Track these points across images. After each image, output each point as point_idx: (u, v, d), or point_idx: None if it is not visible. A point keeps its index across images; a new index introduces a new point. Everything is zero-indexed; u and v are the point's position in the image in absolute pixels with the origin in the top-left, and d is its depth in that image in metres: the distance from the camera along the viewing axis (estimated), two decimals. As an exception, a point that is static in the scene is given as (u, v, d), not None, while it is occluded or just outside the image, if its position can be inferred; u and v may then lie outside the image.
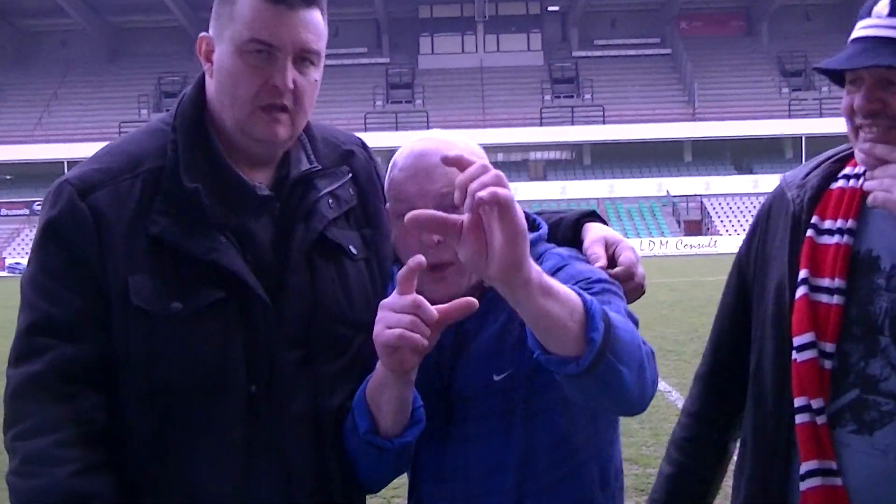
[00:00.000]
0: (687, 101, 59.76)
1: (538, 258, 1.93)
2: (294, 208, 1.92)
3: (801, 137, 53.27)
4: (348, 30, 60.04)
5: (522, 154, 57.75)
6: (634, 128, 57.05)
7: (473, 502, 1.91)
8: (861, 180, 1.89)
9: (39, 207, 2.01)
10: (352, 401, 1.91)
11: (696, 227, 55.24)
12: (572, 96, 61.57)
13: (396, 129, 52.58)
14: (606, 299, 1.78)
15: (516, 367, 1.87)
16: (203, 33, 1.92)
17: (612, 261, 1.96)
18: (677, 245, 50.35)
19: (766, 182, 50.18)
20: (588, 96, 60.85)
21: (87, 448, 1.75)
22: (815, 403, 1.85)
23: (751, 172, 56.96)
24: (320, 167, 1.97)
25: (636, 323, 1.79)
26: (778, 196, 2.03)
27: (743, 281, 2.07)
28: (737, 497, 2.04)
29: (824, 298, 1.86)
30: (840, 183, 1.93)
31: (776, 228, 1.99)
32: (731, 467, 2.16)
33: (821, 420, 1.85)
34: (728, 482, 2.14)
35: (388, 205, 1.97)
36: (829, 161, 1.99)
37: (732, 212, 55.03)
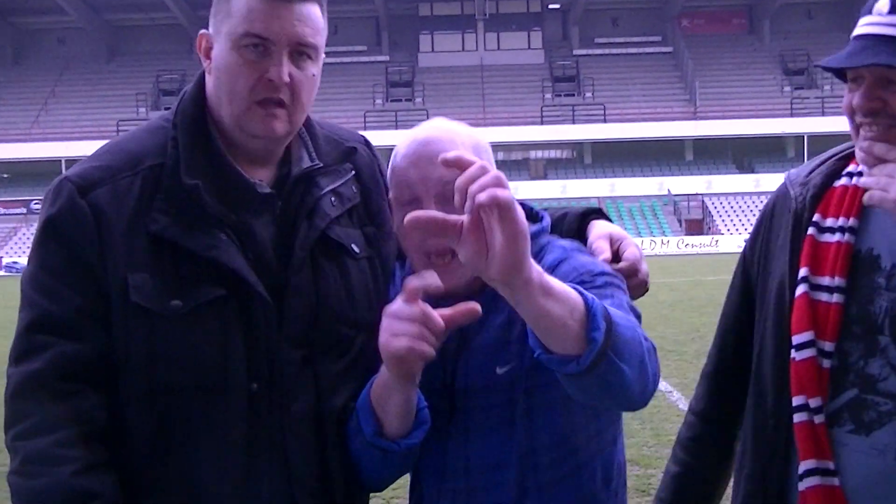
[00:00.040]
0: (688, 99, 59.76)
1: (540, 250, 1.94)
2: (296, 206, 1.92)
3: (804, 136, 53.27)
4: (348, 27, 60.03)
5: (523, 153, 57.74)
6: (635, 126, 57.05)
7: (475, 498, 1.91)
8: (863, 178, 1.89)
9: (37, 206, 2.01)
10: (355, 401, 1.91)
11: (698, 226, 55.23)
12: (573, 95, 61.58)
13: (396, 127, 52.52)
14: (609, 293, 1.79)
15: (520, 360, 1.87)
16: (202, 30, 1.92)
17: (616, 257, 1.97)
18: (678, 244, 50.35)
19: (768, 181, 50.18)
20: (589, 95, 60.85)
21: (88, 447, 1.76)
22: (813, 402, 1.85)
23: (752, 171, 56.95)
24: (321, 165, 1.97)
25: (639, 317, 1.80)
26: (781, 194, 2.03)
27: (747, 279, 2.08)
28: (736, 496, 2.05)
29: (824, 297, 1.86)
30: (843, 181, 1.93)
31: (779, 226, 1.99)
32: (734, 467, 2.16)
33: (819, 419, 1.85)
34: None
35: (390, 192, 1.96)
36: (833, 159, 1.99)
37: (734, 211, 55.03)
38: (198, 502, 1.82)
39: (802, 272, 1.89)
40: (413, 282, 1.71)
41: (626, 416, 2.08)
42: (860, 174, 1.90)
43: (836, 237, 1.88)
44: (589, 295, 1.56)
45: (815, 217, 1.92)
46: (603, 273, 1.86)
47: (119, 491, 1.77)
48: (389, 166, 1.97)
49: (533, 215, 2.02)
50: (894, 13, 1.79)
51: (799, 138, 54.64)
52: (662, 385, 9.68)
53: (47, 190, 1.87)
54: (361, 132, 2.19)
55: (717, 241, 50.91)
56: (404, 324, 1.70)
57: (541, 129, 56.70)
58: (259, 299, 1.83)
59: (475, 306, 1.70)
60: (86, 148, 45.86)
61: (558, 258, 1.90)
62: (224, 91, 1.85)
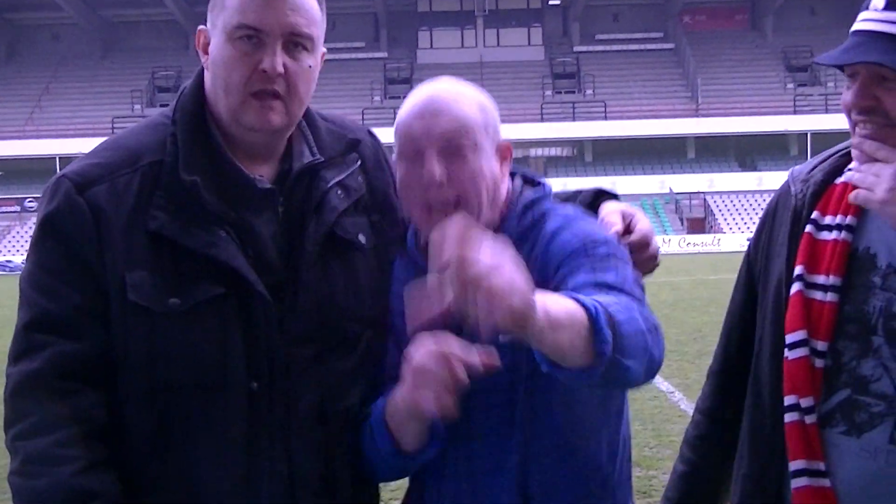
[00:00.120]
0: (690, 96, 59.73)
1: (542, 216, 1.96)
2: (301, 202, 1.93)
3: (807, 134, 53.24)
4: (346, 23, 59.99)
5: (523, 151, 57.70)
6: (636, 124, 57.02)
7: (476, 463, 1.92)
8: None
9: (31, 204, 2.02)
10: (361, 400, 1.93)
11: (700, 224, 55.20)
12: (573, 92, 61.53)
13: (394, 124, 52.36)
14: (612, 265, 1.81)
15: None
16: (201, 26, 1.93)
17: (626, 231, 2.00)
18: (680, 243, 50.31)
19: (771, 179, 50.16)
20: (589, 92, 60.81)
21: (88, 446, 1.77)
22: (805, 402, 1.85)
23: (755, 169, 56.91)
24: (323, 159, 1.97)
25: (643, 288, 1.82)
26: (784, 191, 2.03)
27: (751, 277, 2.08)
28: (734, 494, 2.05)
29: (818, 295, 1.86)
30: (844, 178, 1.93)
31: (780, 224, 1.99)
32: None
33: (810, 419, 1.85)
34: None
35: (395, 147, 1.97)
36: (836, 155, 1.99)
37: (736, 209, 55.01)
38: (197, 500, 1.83)
39: (798, 270, 1.89)
40: (450, 348, 1.70)
41: (627, 417, 2.10)
42: None
43: (834, 235, 1.88)
44: (589, 301, 1.58)
45: (815, 214, 1.92)
46: (605, 241, 1.88)
47: (120, 490, 1.78)
48: (395, 122, 1.98)
49: (530, 181, 2.05)
50: (890, 9, 1.79)
51: (802, 136, 54.62)
52: (664, 385, 9.68)
53: (45, 187, 1.88)
54: (360, 129, 2.19)
55: (719, 239, 50.89)
56: (430, 381, 1.70)
57: (541, 127, 56.65)
58: (258, 298, 1.84)
59: (497, 363, 1.70)
60: (80, 145, 45.84)
61: (559, 225, 1.93)
62: (220, 84, 1.86)
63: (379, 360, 1.97)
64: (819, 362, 1.85)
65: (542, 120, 57.33)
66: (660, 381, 9.88)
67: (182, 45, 60.63)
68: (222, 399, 1.82)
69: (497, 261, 1.46)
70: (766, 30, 63.08)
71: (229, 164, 1.88)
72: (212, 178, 1.86)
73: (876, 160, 1.79)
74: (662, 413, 8.42)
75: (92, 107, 59.57)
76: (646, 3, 64.00)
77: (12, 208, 55.62)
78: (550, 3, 63.96)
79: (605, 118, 57.77)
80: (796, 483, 1.86)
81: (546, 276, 1.87)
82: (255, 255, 1.86)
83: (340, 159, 2.01)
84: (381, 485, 2.07)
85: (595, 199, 2.11)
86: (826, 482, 1.83)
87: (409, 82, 62.07)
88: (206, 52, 1.91)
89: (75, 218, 1.81)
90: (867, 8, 1.83)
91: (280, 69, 1.82)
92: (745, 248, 2.17)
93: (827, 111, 52.90)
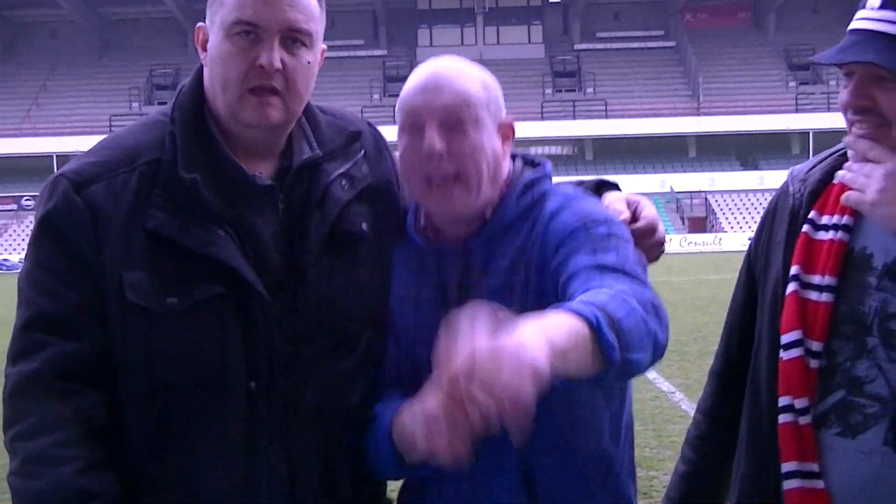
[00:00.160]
0: (691, 95, 59.72)
1: (541, 196, 1.97)
2: (303, 198, 1.93)
3: (809, 132, 53.25)
4: (345, 21, 59.98)
5: (523, 149, 56.72)
6: (637, 122, 57.03)
7: (476, 464, 1.90)
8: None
9: (27, 203, 2.02)
10: (361, 401, 1.93)
11: (701, 224, 55.21)
12: (574, 90, 61.53)
13: (393, 123, 52.38)
14: (612, 245, 1.82)
15: (520, 307, 1.87)
16: (200, 23, 1.93)
17: (633, 218, 2.01)
18: (681, 242, 50.30)
19: (773, 178, 50.14)
20: (590, 90, 60.81)
21: (88, 446, 1.77)
22: (799, 403, 1.85)
23: (756, 168, 56.93)
24: (321, 153, 1.97)
25: (644, 267, 1.83)
26: (783, 191, 2.03)
27: (752, 277, 2.08)
28: (733, 494, 2.06)
29: (814, 296, 1.86)
30: (837, 178, 1.92)
31: (779, 223, 1.99)
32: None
33: (804, 420, 1.84)
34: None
35: (397, 120, 1.99)
36: (835, 155, 1.99)
37: (738, 208, 55.02)
38: (197, 500, 1.83)
39: (793, 270, 1.89)
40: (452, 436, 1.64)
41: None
42: None
43: (830, 235, 1.87)
44: (587, 310, 1.57)
45: (812, 214, 1.92)
46: (606, 220, 1.89)
47: (119, 490, 1.78)
48: (398, 99, 1.99)
49: (530, 162, 2.06)
50: (886, 8, 1.78)
51: (804, 134, 54.63)
52: (664, 386, 9.68)
53: (43, 187, 1.88)
54: (359, 127, 2.19)
55: (720, 239, 50.91)
56: (444, 431, 1.66)
57: (541, 125, 56.62)
58: (257, 297, 1.84)
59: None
60: (78, 143, 45.81)
61: (560, 205, 1.94)
62: (217, 81, 1.86)
63: (379, 360, 1.98)
64: (814, 363, 1.85)
65: (542, 118, 57.32)
66: (660, 382, 9.88)
67: (180, 42, 60.62)
68: (221, 399, 1.82)
69: (498, 355, 1.42)
70: (768, 28, 63.08)
71: (228, 162, 1.88)
72: (211, 176, 1.86)
73: (868, 160, 1.78)
74: (663, 413, 8.42)
75: (89, 105, 59.57)
76: (647, 1, 64.00)
77: (9, 206, 55.60)
78: (551, 0, 63.94)
79: (606, 117, 57.77)
80: (788, 485, 1.86)
81: (546, 255, 1.88)
82: (255, 254, 1.86)
83: (343, 151, 2.01)
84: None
85: (597, 191, 2.12)
86: (819, 483, 1.83)
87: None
88: (205, 50, 1.91)
89: (73, 217, 1.81)
90: (864, 6, 1.82)
91: (277, 65, 1.82)
92: (746, 248, 2.17)
93: (829, 110, 52.86)
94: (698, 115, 57.53)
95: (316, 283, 1.90)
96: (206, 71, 1.91)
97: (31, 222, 1.91)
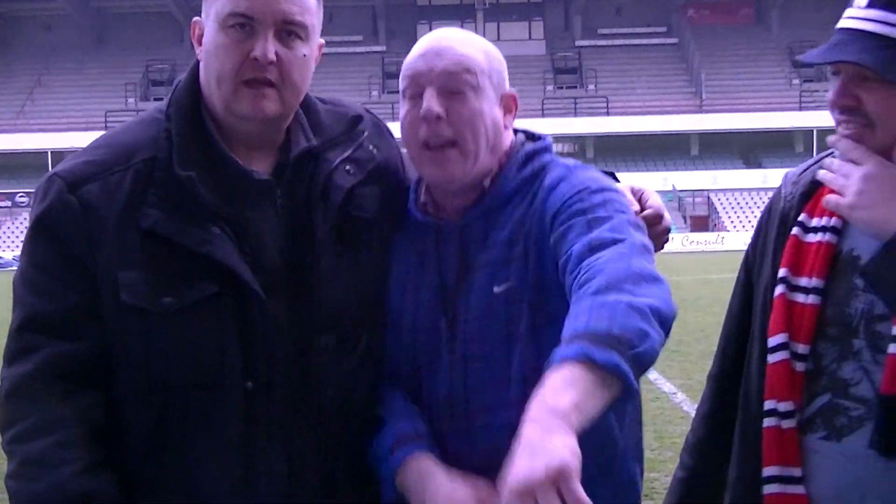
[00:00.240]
0: (694, 92, 59.74)
1: (542, 168, 1.98)
2: (306, 192, 1.93)
3: (813, 130, 53.25)
4: (343, 16, 59.98)
5: (523, 146, 57.58)
6: (639, 120, 57.04)
7: (476, 418, 1.92)
8: None
9: (22, 199, 2.02)
10: (361, 400, 1.94)
11: (703, 222, 55.24)
12: (575, 87, 61.55)
13: (393, 119, 52.38)
14: (608, 213, 1.82)
15: (519, 279, 1.89)
16: (196, 18, 1.93)
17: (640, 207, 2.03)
18: (683, 241, 50.32)
19: (776, 177, 49.90)
20: (591, 87, 60.82)
21: (86, 447, 1.77)
22: (782, 407, 1.84)
23: (760, 166, 56.95)
24: (319, 142, 1.97)
25: (641, 229, 1.84)
26: (777, 194, 2.04)
27: (749, 281, 2.08)
28: (727, 498, 2.06)
29: (801, 298, 1.86)
30: (818, 177, 1.93)
31: (772, 227, 2.00)
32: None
33: (787, 424, 1.84)
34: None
35: (400, 85, 2.00)
36: (830, 157, 1.99)
37: (741, 207, 55.05)
38: (196, 500, 1.84)
39: (781, 273, 1.89)
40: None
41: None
42: None
43: (819, 237, 1.87)
44: (572, 350, 1.54)
45: (802, 217, 1.92)
46: (603, 189, 1.89)
47: (118, 490, 1.78)
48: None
49: (530, 135, 2.07)
50: (872, 7, 1.77)
51: (808, 132, 54.63)
52: (666, 386, 9.68)
53: (37, 186, 1.88)
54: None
55: (722, 238, 50.94)
56: None
57: (542, 123, 56.62)
58: (254, 296, 1.83)
59: None
60: (73, 139, 45.78)
61: (559, 176, 1.95)
62: (212, 74, 1.86)
63: (379, 360, 1.98)
64: (800, 366, 1.85)
65: (543, 116, 57.30)
66: (662, 383, 9.88)
67: (177, 37, 60.62)
68: (219, 398, 1.82)
69: (529, 482, 1.41)
70: (772, 24, 63.10)
71: (225, 158, 1.88)
72: (207, 173, 1.86)
73: (850, 160, 1.78)
74: (664, 415, 8.42)
75: (84, 100, 59.56)
76: (649, -3, 63.99)
77: (3, 203, 55.59)
78: (552, -4, 63.93)
79: (608, 114, 57.79)
80: (768, 489, 1.86)
81: (544, 227, 1.88)
82: (252, 252, 1.86)
83: (345, 136, 2.01)
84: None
85: None
86: (799, 489, 1.83)
87: (407, 76, 61.96)
88: (200, 44, 1.91)
89: (67, 217, 1.81)
90: (852, 5, 1.82)
91: (272, 57, 1.82)
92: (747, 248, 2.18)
93: (833, 108, 52.83)
94: (701, 112, 57.55)
95: (318, 280, 1.90)
96: (201, 65, 1.91)
97: (25, 219, 1.91)
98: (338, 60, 58.08)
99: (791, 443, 1.84)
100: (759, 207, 52.66)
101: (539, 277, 1.88)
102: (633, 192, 2.07)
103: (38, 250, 1.84)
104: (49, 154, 48.91)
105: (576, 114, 58.12)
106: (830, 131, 1.88)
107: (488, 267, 1.92)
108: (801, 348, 1.85)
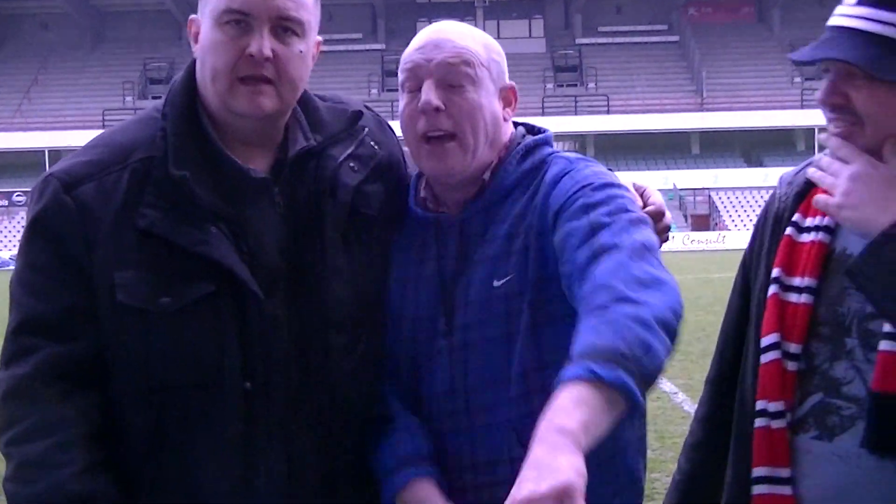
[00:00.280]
0: (695, 90, 59.73)
1: (542, 162, 1.98)
2: (310, 190, 1.92)
3: (814, 129, 53.14)
4: (342, 14, 59.96)
5: (523, 145, 57.56)
6: (640, 118, 57.03)
7: (475, 419, 1.92)
8: None
9: (19, 198, 2.02)
10: (361, 400, 1.94)
11: (704, 221, 55.23)
12: (576, 85, 61.54)
13: (392, 118, 52.31)
14: (610, 214, 1.81)
15: (519, 273, 1.89)
16: (192, 16, 1.93)
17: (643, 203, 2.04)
18: (684, 240, 50.32)
19: (777, 175, 49.41)
20: (592, 85, 60.81)
21: (84, 449, 1.77)
22: (772, 407, 1.84)
23: (761, 165, 56.94)
24: (321, 140, 1.97)
25: (647, 224, 1.84)
26: (773, 194, 2.05)
27: (747, 283, 2.08)
28: (723, 500, 2.06)
29: (793, 297, 1.86)
30: (807, 175, 1.93)
31: (767, 228, 2.01)
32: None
33: (776, 424, 1.84)
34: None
35: (399, 78, 2.01)
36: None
37: (742, 206, 55.04)
38: (195, 500, 1.84)
39: (775, 273, 1.89)
40: None
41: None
42: None
43: (812, 236, 1.88)
44: (580, 369, 1.54)
45: (796, 217, 1.92)
46: (605, 185, 1.88)
47: (118, 491, 1.79)
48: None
49: (529, 129, 2.08)
50: (862, 4, 1.76)
51: (809, 131, 54.59)
52: (667, 386, 9.68)
53: (34, 187, 1.88)
54: (357, 124, 2.19)
55: (724, 237, 50.94)
56: None
57: (542, 121, 55.81)
58: (252, 296, 1.83)
59: None
60: (70, 138, 45.79)
61: (561, 170, 1.94)
62: (208, 71, 1.86)
63: (379, 359, 1.98)
64: (792, 365, 1.84)
65: (543, 114, 57.27)
66: (663, 383, 9.88)
67: (175, 35, 60.58)
68: (218, 398, 1.82)
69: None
70: (773, 22, 63.08)
71: (221, 156, 1.88)
72: (204, 172, 1.85)
73: (839, 159, 1.78)
74: (665, 414, 8.43)
75: (82, 99, 59.52)
76: (650, -5, 63.98)
77: (0, 202, 55.56)
78: (552, -7, 63.93)
79: (608, 112, 57.78)
80: (756, 490, 1.86)
81: (546, 222, 1.88)
82: (250, 251, 1.86)
83: (346, 133, 2.01)
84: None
85: None
86: (787, 489, 1.82)
87: (407, 75, 61.91)
88: (197, 42, 1.91)
89: (63, 217, 1.82)
90: (842, 2, 1.82)
91: (267, 53, 1.82)
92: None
93: (835, 106, 52.82)
94: (702, 110, 57.55)
95: (325, 279, 1.90)
96: (197, 63, 1.91)
97: (22, 218, 1.90)
98: (337, 58, 58.06)
99: (780, 443, 1.84)
100: (760, 206, 52.25)
101: (540, 274, 1.88)
102: (636, 187, 2.07)
103: (34, 251, 1.84)
104: (46, 153, 48.89)
105: (576, 112, 58.10)
106: (832, 129, 1.88)
107: (488, 261, 1.92)
108: (794, 348, 1.84)
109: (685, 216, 55.63)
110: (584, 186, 1.88)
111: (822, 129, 1.81)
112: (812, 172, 1.84)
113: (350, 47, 61.25)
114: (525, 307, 1.88)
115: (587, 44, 63.35)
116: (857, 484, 1.77)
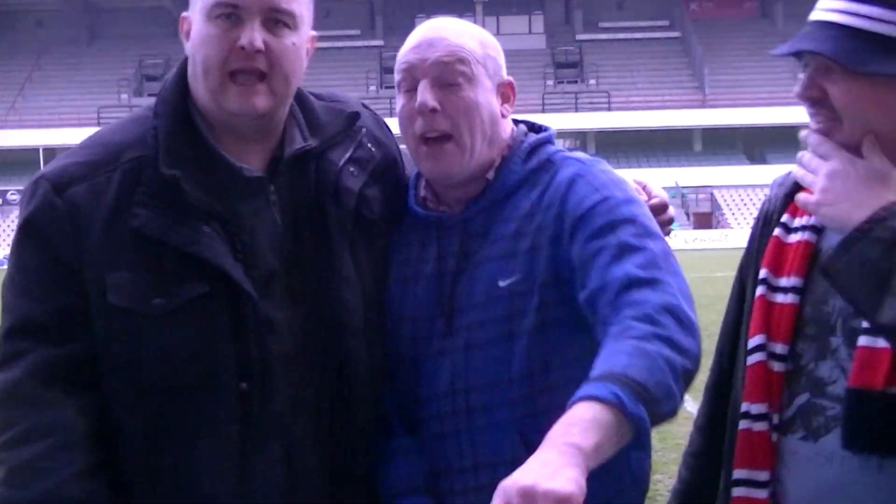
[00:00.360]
0: (697, 87, 59.74)
1: (548, 161, 1.97)
2: (309, 191, 1.92)
3: (818, 126, 53.24)
4: (340, 10, 59.96)
5: (523, 142, 57.56)
6: (641, 115, 57.04)
7: (475, 420, 1.91)
8: None
9: (13, 197, 2.02)
10: (360, 399, 1.93)
11: (707, 219, 55.25)
12: (576, 82, 61.56)
13: (391, 115, 52.33)
14: (639, 237, 1.81)
15: (526, 273, 1.88)
16: (185, 13, 1.92)
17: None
18: (686, 239, 50.32)
19: (780, 173, 50.04)
20: (593, 82, 60.83)
21: (80, 451, 1.77)
22: (755, 409, 1.84)
23: (764, 162, 56.94)
24: (319, 141, 1.96)
25: (661, 238, 1.85)
26: (767, 196, 2.05)
27: (742, 289, 2.08)
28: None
29: (780, 298, 1.85)
30: (792, 174, 1.93)
31: (758, 230, 2.01)
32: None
33: (758, 427, 1.83)
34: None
35: (395, 78, 2.00)
36: None
37: (745, 204, 55.05)
38: (194, 500, 1.83)
39: (762, 274, 1.89)
40: None
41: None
42: None
43: (799, 236, 1.87)
44: (607, 391, 1.55)
45: (785, 217, 1.92)
46: (628, 201, 1.88)
47: (112, 494, 1.78)
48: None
49: (531, 126, 2.07)
50: None
51: (813, 128, 54.66)
52: (669, 386, 9.66)
53: (25, 188, 1.88)
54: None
55: (726, 235, 50.93)
56: None
57: (542, 118, 55.85)
58: (246, 295, 1.82)
59: None
60: (64, 136, 45.78)
61: (575, 173, 1.93)
62: (199, 67, 1.86)
63: (379, 359, 1.98)
64: (778, 366, 1.84)
65: (543, 111, 57.29)
66: (665, 382, 9.86)
67: (170, 32, 60.45)
68: (214, 399, 1.82)
69: (532, 496, 1.41)
70: (776, 18, 63.07)
71: (214, 154, 1.87)
72: (196, 171, 1.85)
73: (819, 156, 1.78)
74: (667, 415, 8.41)
75: (77, 96, 59.51)
76: (651, -10, 63.99)
77: (-6, 201, 55.56)
78: (552, -11, 63.94)
79: (609, 109, 57.80)
80: (735, 492, 1.86)
81: (563, 227, 1.87)
82: (245, 250, 1.85)
83: (344, 134, 2.01)
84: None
85: None
86: (763, 493, 1.82)
87: (405, 71, 61.89)
88: (189, 39, 1.90)
89: (53, 219, 1.81)
90: None
91: (259, 45, 1.81)
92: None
93: (839, 102, 52.85)
94: (704, 107, 57.55)
95: (330, 282, 1.89)
96: (189, 59, 1.91)
97: (16, 217, 1.91)
98: (335, 55, 58.06)
99: (761, 445, 1.84)
100: (763, 204, 52.73)
101: (550, 277, 1.87)
102: (637, 184, 2.08)
103: (25, 254, 1.84)
104: (41, 151, 48.83)
105: (577, 109, 58.11)
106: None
107: (493, 261, 1.92)
108: (780, 348, 1.84)
109: (688, 214, 55.64)
110: (607, 198, 1.87)
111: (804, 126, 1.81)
112: (795, 171, 1.84)
113: (348, 44, 61.27)
114: (529, 307, 1.88)
115: (588, 40, 63.37)
116: (842, 485, 1.77)
